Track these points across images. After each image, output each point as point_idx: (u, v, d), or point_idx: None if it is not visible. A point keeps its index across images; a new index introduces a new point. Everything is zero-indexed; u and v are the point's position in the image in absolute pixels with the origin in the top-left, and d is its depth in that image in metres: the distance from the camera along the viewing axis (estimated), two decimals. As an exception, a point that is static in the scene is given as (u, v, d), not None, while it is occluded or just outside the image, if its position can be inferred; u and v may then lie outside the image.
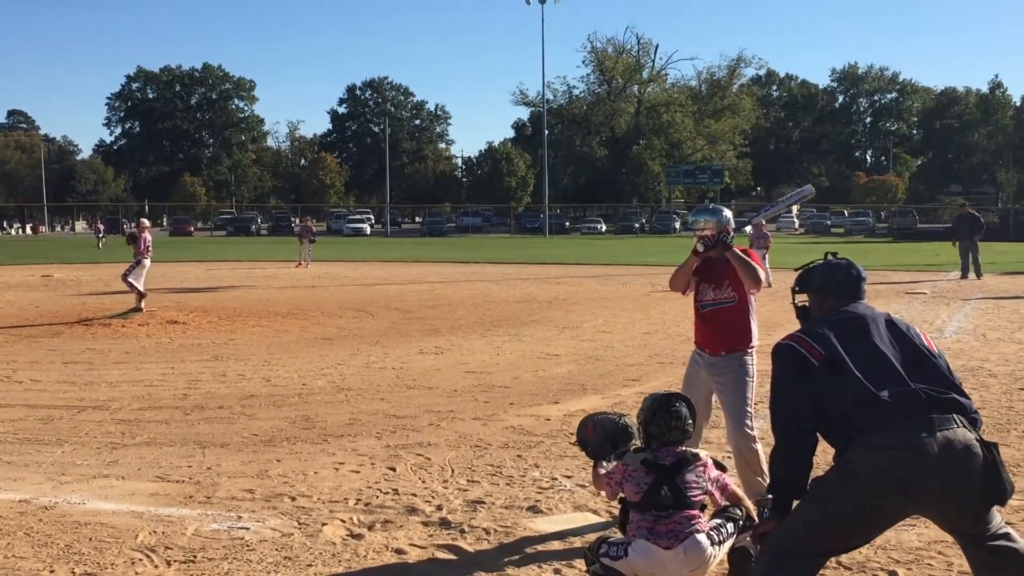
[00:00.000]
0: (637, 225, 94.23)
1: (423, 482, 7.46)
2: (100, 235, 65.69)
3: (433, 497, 7.03)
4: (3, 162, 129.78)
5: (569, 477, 7.53)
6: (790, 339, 4.42)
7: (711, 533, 4.72)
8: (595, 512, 6.66)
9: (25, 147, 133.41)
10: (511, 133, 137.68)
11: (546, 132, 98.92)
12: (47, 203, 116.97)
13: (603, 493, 5.20)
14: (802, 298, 4.79)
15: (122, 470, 7.88)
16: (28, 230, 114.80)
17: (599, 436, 5.18)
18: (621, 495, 4.94)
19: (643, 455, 4.88)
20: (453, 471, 7.75)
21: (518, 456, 8.22)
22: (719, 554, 4.78)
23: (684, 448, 4.91)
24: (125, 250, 22.31)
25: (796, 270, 4.86)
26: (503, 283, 28.63)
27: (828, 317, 4.49)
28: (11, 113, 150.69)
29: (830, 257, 4.79)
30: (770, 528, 4.37)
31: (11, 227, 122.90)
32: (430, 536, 6.24)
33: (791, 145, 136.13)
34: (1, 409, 10.39)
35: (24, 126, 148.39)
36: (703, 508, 4.81)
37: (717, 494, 4.85)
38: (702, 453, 4.98)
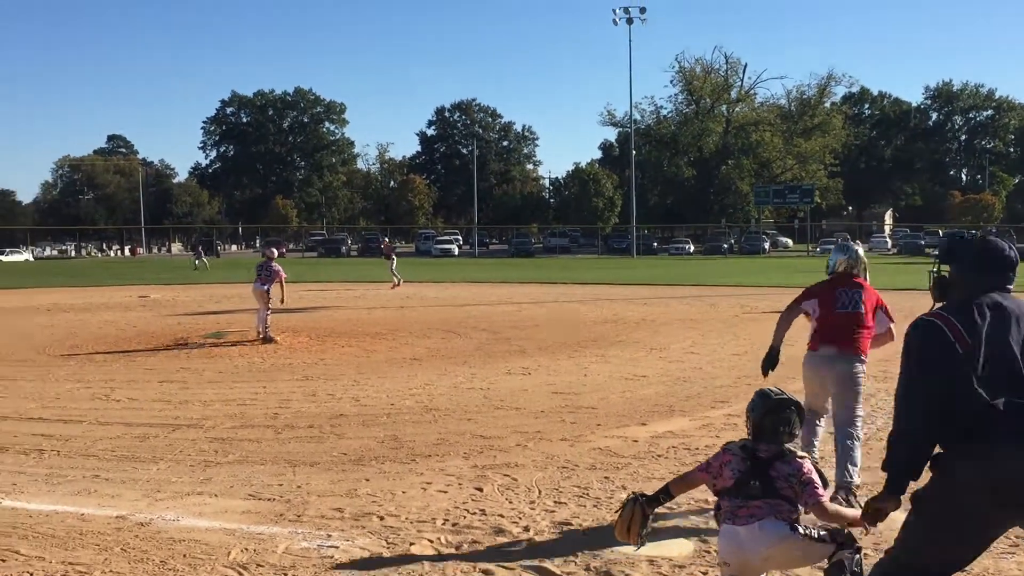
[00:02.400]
0: (726, 246, 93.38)
1: (510, 503, 7.46)
2: (197, 257, 66.85)
3: (520, 518, 7.02)
4: (103, 186, 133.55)
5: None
6: (937, 318, 4.05)
7: (796, 524, 4.67)
8: (683, 535, 6.60)
9: (124, 171, 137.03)
10: (598, 154, 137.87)
11: (634, 152, 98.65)
12: (145, 225, 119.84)
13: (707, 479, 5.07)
14: (944, 269, 4.40)
15: (215, 488, 8.02)
16: (127, 252, 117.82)
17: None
18: (714, 483, 4.91)
19: (745, 442, 4.88)
20: (540, 492, 7.74)
21: (605, 478, 8.18)
22: (803, 544, 4.68)
23: (784, 447, 4.87)
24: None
25: (944, 237, 4.58)
26: (590, 304, 28.55)
27: (975, 301, 4.10)
28: (111, 138, 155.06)
29: (986, 232, 4.41)
30: (886, 507, 4.19)
31: (110, 249, 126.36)
32: (517, 557, 6.23)
33: (883, 164, 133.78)
34: (100, 427, 10.66)
35: (123, 150, 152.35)
36: (792, 502, 4.76)
37: (805, 497, 4.77)
38: (800, 453, 4.91)
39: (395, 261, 39.01)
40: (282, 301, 19.70)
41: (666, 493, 4.94)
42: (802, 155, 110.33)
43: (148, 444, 9.73)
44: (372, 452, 9.24)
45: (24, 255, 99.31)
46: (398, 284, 36.96)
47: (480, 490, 7.82)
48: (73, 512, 7.30)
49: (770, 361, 7.92)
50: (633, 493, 4.98)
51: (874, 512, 4.22)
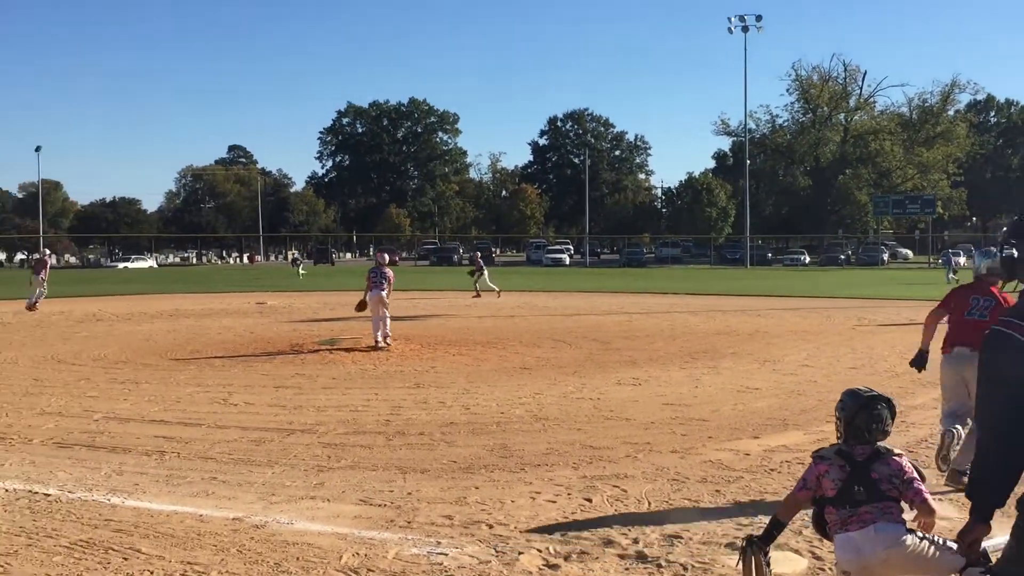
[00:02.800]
0: (843, 256, 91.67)
1: (618, 513, 7.42)
2: (300, 264, 68.16)
3: (629, 530, 6.98)
4: (223, 194, 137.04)
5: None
6: (1008, 326, 3.75)
7: (913, 528, 4.57)
8: (796, 551, 6.48)
9: (243, 180, 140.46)
10: (712, 163, 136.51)
11: (748, 162, 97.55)
12: (262, 233, 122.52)
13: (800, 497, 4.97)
14: (1011, 252, 4.10)
15: (328, 492, 8.14)
16: (245, 259, 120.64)
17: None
18: (816, 495, 4.81)
19: (838, 446, 4.78)
20: (650, 504, 7.69)
21: (716, 491, 8.09)
22: (922, 548, 4.55)
23: (878, 445, 4.77)
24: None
25: (1016, 217, 4.31)
26: (702, 315, 28.28)
27: None
28: (231, 148, 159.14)
29: None
30: (978, 536, 4.04)
31: (229, 256, 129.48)
32: (626, 569, 6.19)
33: (1010, 173, 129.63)
34: (218, 430, 10.92)
35: (243, 160, 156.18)
36: (898, 502, 4.65)
37: (910, 495, 4.66)
38: (896, 449, 4.80)
39: (486, 273, 39.33)
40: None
41: (778, 526, 4.86)
42: (923, 164, 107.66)
43: (264, 448, 9.94)
44: (482, 460, 9.28)
45: (148, 262, 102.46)
46: (477, 295, 37.48)
47: (589, 500, 7.80)
48: (192, 513, 7.49)
49: (919, 361, 8.78)
50: (746, 539, 4.91)
51: (968, 545, 4.07)
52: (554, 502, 7.78)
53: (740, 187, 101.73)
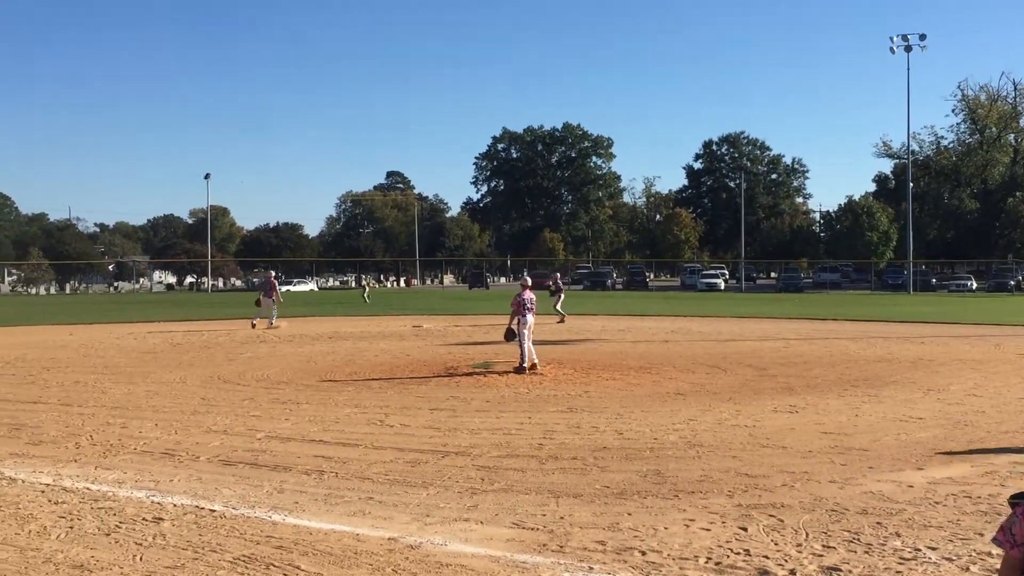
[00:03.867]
0: (1012, 282, 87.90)
1: (775, 544, 7.27)
2: (367, 290, 69.49)
3: (786, 560, 6.83)
4: (382, 219, 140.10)
5: (934, 549, 7.09)
6: None
7: None
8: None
9: (401, 206, 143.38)
10: (872, 186, 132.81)
11: (911, 185, 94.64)
12: (419, 257, 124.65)
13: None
14: None
15: (481, 515, 8.21)
16: (401, 282, 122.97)
17: None
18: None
19: None
20: (807, 535, 7.51)
21: (878, 523, 7.84)
22: None
23: None
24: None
25: None
26: (862, 341, 27.52)
27: None
28: (390, 174, 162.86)
29: None
30: None
31: (387, 280, 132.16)
32: (782, 601, 6.06)
33: None
34: (374, 451, 11.14)
35: (401, 186, 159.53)
36: None
37: None
38: None
39: (563, 297, 38.75)
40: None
41: None
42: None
43: (419, 469, 10.08)
44: (635, 486, 9.22)
45: (309, 285, 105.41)
46: (562, 319, 36.68)
47: (744, 529, 7.67)
48: (349, 532, 7.65)
49: None
50: None
51: None
52: (708, 530, 7.67)
53: (902, 210, 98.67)
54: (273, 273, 39.97)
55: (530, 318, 19.73)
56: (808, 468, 10.01)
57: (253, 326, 33.96)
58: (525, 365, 19.27)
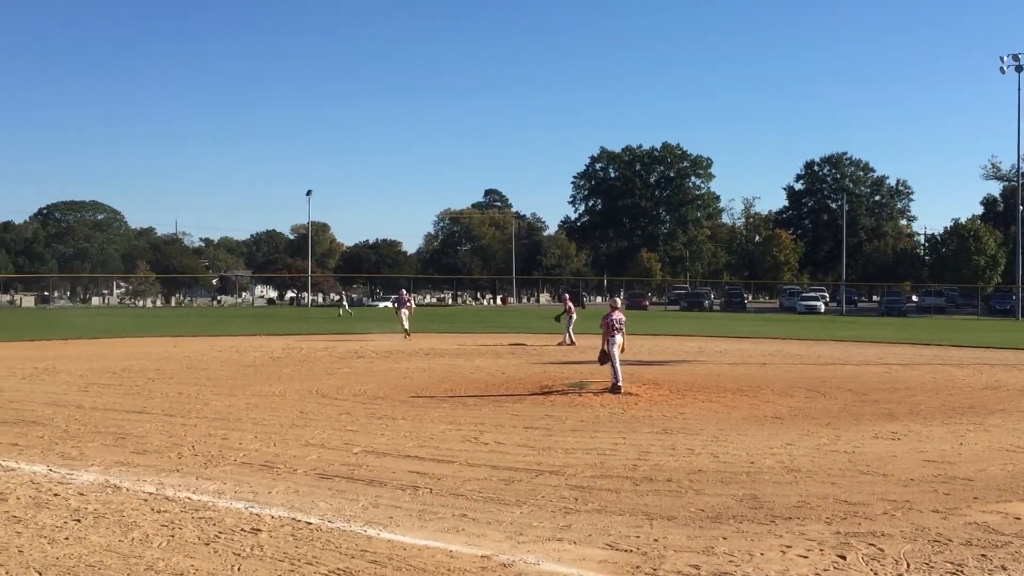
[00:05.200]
0: None
1: (875, 574, 7.11)
2: (344, 304, 72.55)
3: (886, 591, 6.67)
4: (479, 237, 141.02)
5: (1041, 584, 6.87)
6: None
7: None
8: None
9: (498, 224, 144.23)
10: (979, 209, 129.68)
11: (1020, 207, 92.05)
12: (515, 276, 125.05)
13: None
14: None
15: (574, 535, 8.18)
16: (498, 300, 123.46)
17: None
18: None
19: None
20: (909, 565, 7.33)
21: (982, 555, 7.62)
22: None
23: None
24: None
25: None
26: (968, 368, 26.83)
27: None
28: (487, 192, 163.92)
29: None
30: None
31: (483, 297, 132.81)
32: (882, 632, 5.92)
33: None
34: (468, 468, 11.18)
35: (499, 204, 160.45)
36: None
37: None
38: None
39: (575, 317, 36.65)
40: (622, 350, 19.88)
41: None
42: None
43: (512, 487, 10.09)
44: (730, 510, 9.11)
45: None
46: (571, 343, 34.83)
47: (843, 558, 7.51)
48: (442, 548, 7.68)
49: None
50: None
51: None
52: (806, 557, 7.53)
53: (1012, 234, 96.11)
54: (405, 291, 45.91)
55: (619, 337, 19.62)
56: (910, 497, 9.78)
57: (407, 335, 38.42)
58: (620, 384, 19.19)
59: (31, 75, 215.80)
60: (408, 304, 41.68)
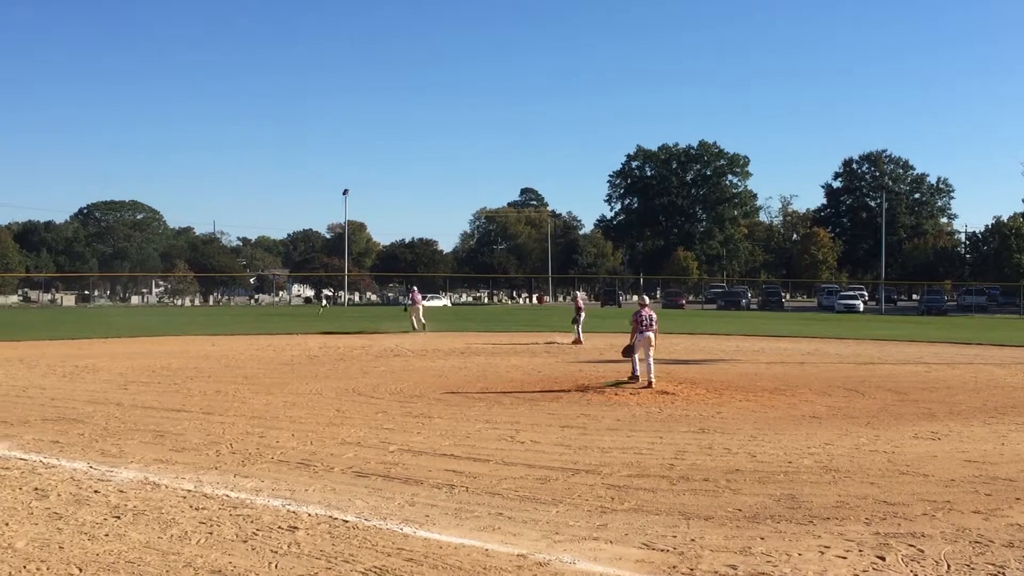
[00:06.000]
0: None
1: (915, 575, 7.03)
2: (323, 303, 74.21)
3: (926, 593, 6.60)
4: (515, 236, 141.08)
5: (1085, 586, 6.77)
6: None
7: None
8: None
9: (534, 222, 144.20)
10: (1021, 207, 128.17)
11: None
12: (551, 275, 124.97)
13: None
14: None
15: (610, 534, 8.15)
16: (534, 299, 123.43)
17: None
18: None
19: None
20: (949, 566, 7.25)
21: (1024, 557, 7.53)
22: None
23: None
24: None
25: None
26: (1010, 367, 26.53)
27: None
28: (523, 191, 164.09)
29: None
30: None
31: (519, 296, 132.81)
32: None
33: None
34: (504, 467, 11.18)
35: (534, 203, 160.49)
36: None
37: None
38: None
39: (583, 317, 36.24)
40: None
41: None
42: None
43: (548, 486, 10.08)
44: (768, 510, 9.05)
45: (443, 301, 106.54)
46: (579, 342, 34.72)
47: (882, 559, 7.44)
48: (478, 547, 7.68)
49: None
50: None
51: None
52: (844, 558, 7.47)
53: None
54: (416, 288, 48.76)
55: (649, 334, 20.14)
56: (950, 497, 9.67)
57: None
58: (637, 374, 20.15)
59: (72, 75, 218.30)
60: (418, 302, 44.60)
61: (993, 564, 7.33)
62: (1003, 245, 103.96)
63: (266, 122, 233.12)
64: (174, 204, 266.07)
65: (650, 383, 19.49)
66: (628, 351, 20.76)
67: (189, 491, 9.75)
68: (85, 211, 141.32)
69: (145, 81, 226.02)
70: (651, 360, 19.97)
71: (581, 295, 39.43)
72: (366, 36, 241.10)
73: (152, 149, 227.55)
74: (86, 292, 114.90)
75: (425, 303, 48.59)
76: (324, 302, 76.25)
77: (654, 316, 20.64)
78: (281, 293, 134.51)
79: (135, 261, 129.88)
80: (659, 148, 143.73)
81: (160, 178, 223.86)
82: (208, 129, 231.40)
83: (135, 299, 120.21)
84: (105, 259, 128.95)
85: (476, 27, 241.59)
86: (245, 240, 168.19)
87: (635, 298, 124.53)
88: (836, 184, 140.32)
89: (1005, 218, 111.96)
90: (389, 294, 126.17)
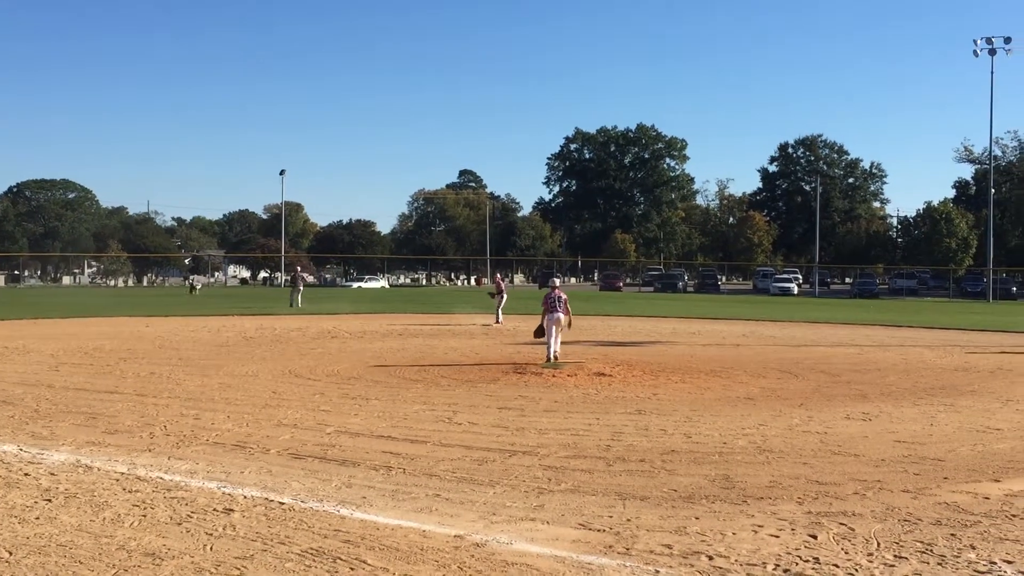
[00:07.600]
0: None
1: (846, 553, 7.15)
2: (194, 285, 75.97)
3: (856, 570, 6.72)
4: (453, 218, 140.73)
5: (1010, 563, 6.92)
6: None
7: None
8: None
9: (473, 204, 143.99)
10: (952, 192, 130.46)
11: (992, 191, 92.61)
12: (490, 256, 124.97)
13: None
14: None
15: (547, 515, 8.19)
16: (471, 281, 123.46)
17: None
18: None
19: None
20: (879, 544, 7.38)
21: (952, 535, 7.68)
22: None
23: None
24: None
25: None
26: (939, 349, 27.04)
27: None
28: (462, 173, 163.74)
29: None
30: None
31: (457, 279, 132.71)
32: (852, 611, 5.95)
33: None
34: (442, 448, 11.18)
35: (473, 185, 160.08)
36: None
37: None
38: None
39: (504, 298, 38.02)
40: (569, 326, 21.58)
41: None
42: None
43: (486, 468, 10.09)
44: (703, 490, 9.15)
45: (381, 282, 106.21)
46: (499, 323, 36.14)
47: (814, 537, 7.56)
48: (416, 528, 7.68)
49: None
50: None
51: None
52: (777, 536, 7.57)
53: (983, 217, 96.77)
54: (299, 268, 55.88)
55: (558, 315, 21.14)
56: (881, 477, 9.84)
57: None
58: (549, 355, 20.90)
59: (1, 54, 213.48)
60: (301, 279, 50.13)
61: (921, 542, 7.46)
62: (933, 229, 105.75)
63: (202, 102, 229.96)
64: (107, 184, 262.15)
65: (553, 357, 20.71)
66: (539, 331, 21.83)
67: (122, 474, 9.62)
68: (15, 189, 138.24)
69: (78, 59, 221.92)
70: (557, 338, 21.14)
71: (498, 277, 40.45)
72: (302, 17, 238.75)
73: (85, 127, 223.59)
74: (16, 272, 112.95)
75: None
76: (197, 284, 77.02)
77: (564, 297, 21.49)
78: (216, 274, 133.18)
79: (67, 241, 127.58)
80: (597, 131, 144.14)
81: (93, 157, 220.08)
82: (142, 108, 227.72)
83: (67, 279, 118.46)
84: (36, 239, 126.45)
85: (414, 7, 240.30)
86: (180, 220, 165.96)
87: (573, 280, 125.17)
88: (772, 168, 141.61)
89: (935, 203, 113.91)
90: (326, 275, 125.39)
